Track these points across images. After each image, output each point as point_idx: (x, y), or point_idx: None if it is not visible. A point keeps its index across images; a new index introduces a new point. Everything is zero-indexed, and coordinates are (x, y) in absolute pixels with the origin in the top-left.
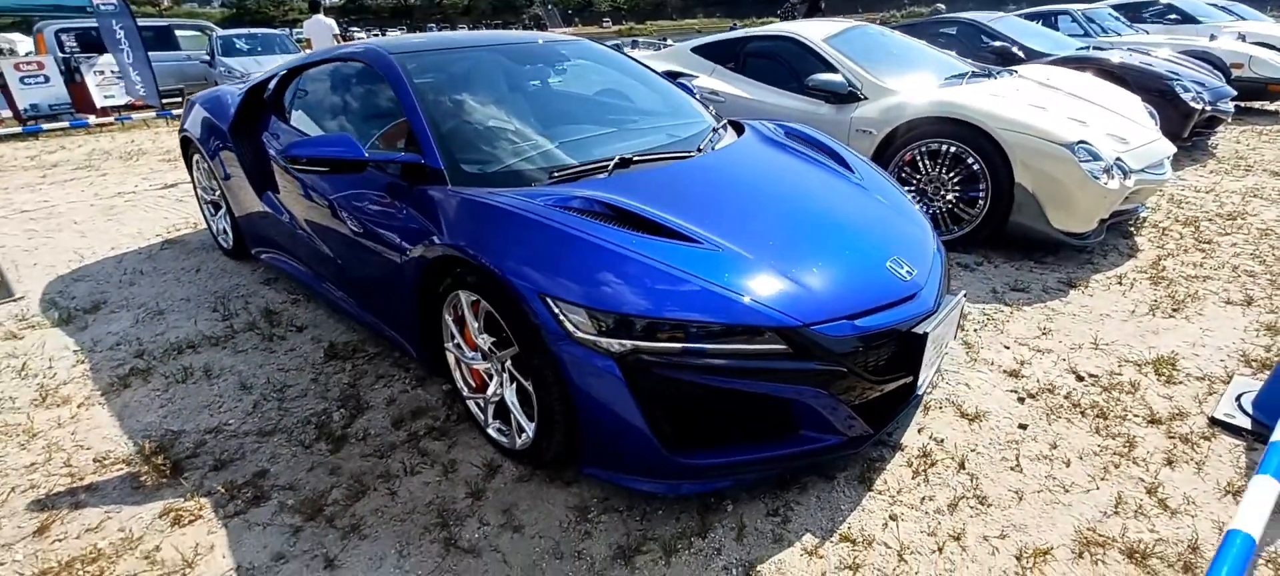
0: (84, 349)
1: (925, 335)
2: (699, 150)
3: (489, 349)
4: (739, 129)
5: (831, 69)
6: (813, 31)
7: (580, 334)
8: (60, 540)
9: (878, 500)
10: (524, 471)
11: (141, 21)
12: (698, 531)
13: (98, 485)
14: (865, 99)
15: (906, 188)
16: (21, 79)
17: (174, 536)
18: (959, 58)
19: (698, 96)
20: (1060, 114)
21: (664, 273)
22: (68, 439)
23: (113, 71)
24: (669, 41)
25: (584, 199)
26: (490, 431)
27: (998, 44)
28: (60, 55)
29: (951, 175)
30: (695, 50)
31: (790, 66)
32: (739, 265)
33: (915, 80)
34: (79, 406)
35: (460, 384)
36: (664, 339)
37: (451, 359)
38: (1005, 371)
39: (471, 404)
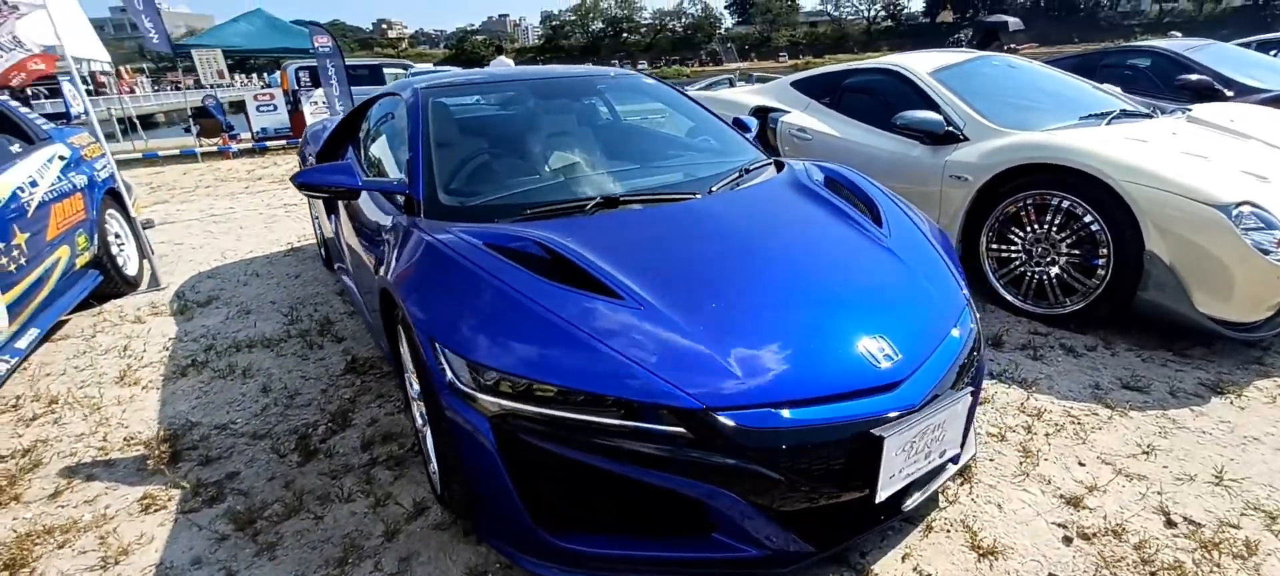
0: (175, 338)
1: (881, 439)
2: (711, 192)
3: (415, 387)
4: (780, 168)
5: (932, 106)
6: (919, 63)
7: (459, 385)
8: (62, 507)
9: None
10: (447, 518)
11: (360, 61)
12: None
13: (114, 462)
14: (965, 140)
15: (1006, 249)
16: (258, 107)
17: (136, 522)
18: (1123, 95)
19: (753, 134)
20: (1228, 166)
21: (561, 331)
22: (118, 417)
23: (323, 102)
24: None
25: (527, 240)
26: (429, 470)
27: (1195, 78)
28: (294, 88)
29: (1063, 236)
30: (794, 84)
31: (887, 103)
32: (658, 330)
33: (1038, 119)
34: (143, 389)
35: (415, 415)
36: (543, 404)
37: (409, 391)
38: (1062, 497)
39: (422, 439)
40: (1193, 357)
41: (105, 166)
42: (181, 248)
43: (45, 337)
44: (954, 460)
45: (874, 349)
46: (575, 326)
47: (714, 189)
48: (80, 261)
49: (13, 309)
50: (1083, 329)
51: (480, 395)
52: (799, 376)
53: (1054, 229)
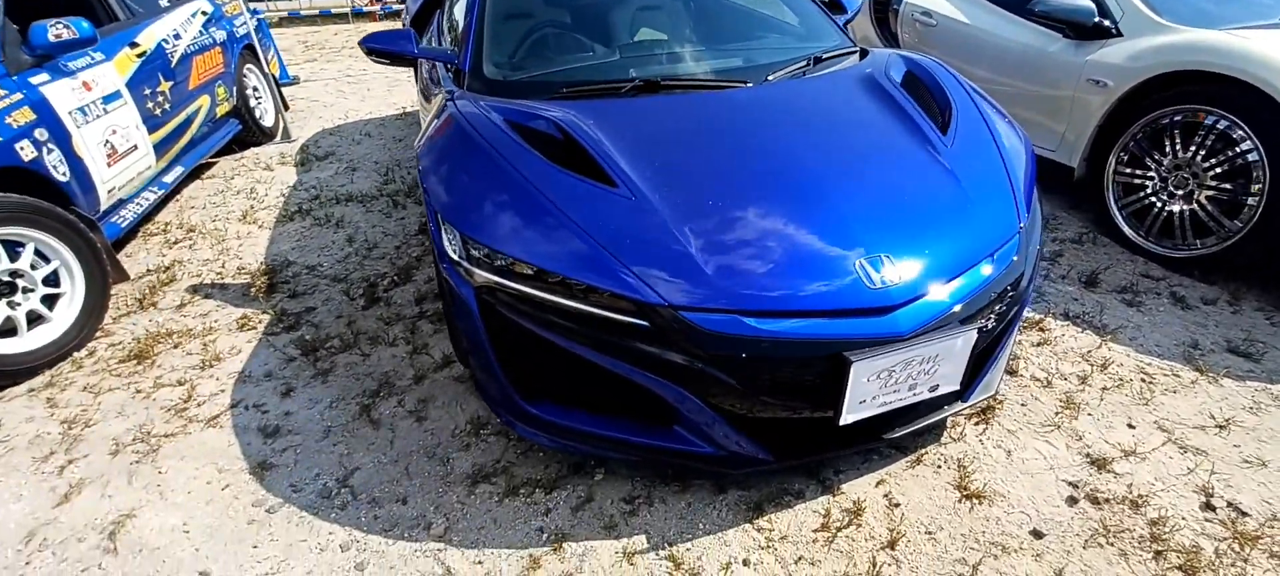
0: (293, 187)
1: (848, 362)
2: (767, 81)
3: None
4: (864, 56)
5: None
6: None
7: (453, 255)
8: (183, 316)
9: (748, 536)
10: (465, 372)
11: None
12: (547, 484)
13: (227, 286)
14: (1118, 35)
15: (1138, 174)
16: None
17: (232, 336)
18: None
19: (850, 17)
20: None
21: (548, 214)
22: (236, 248)
23: None
24: None
25: (547, 120)
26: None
27: None
28: None
29: (1212, 164)
30: None
31: None
32: (644, 223)
33: (1231, 13)
34: (258, 227)
35: None
36: (521, 281)
37: None
38: (1088, 456)
39: None
40: None
41: (243, 23)
42: (315, 105)
43: (191, 175)
44: (956, 398)
45: (872, 269)
46: (562, 211)
47: (770, 78)
48: (220, 111)
49: (159, 148)
50: (1209, 277)
51: (469, 266)
52: (773, 286)
53: (1202, 155)
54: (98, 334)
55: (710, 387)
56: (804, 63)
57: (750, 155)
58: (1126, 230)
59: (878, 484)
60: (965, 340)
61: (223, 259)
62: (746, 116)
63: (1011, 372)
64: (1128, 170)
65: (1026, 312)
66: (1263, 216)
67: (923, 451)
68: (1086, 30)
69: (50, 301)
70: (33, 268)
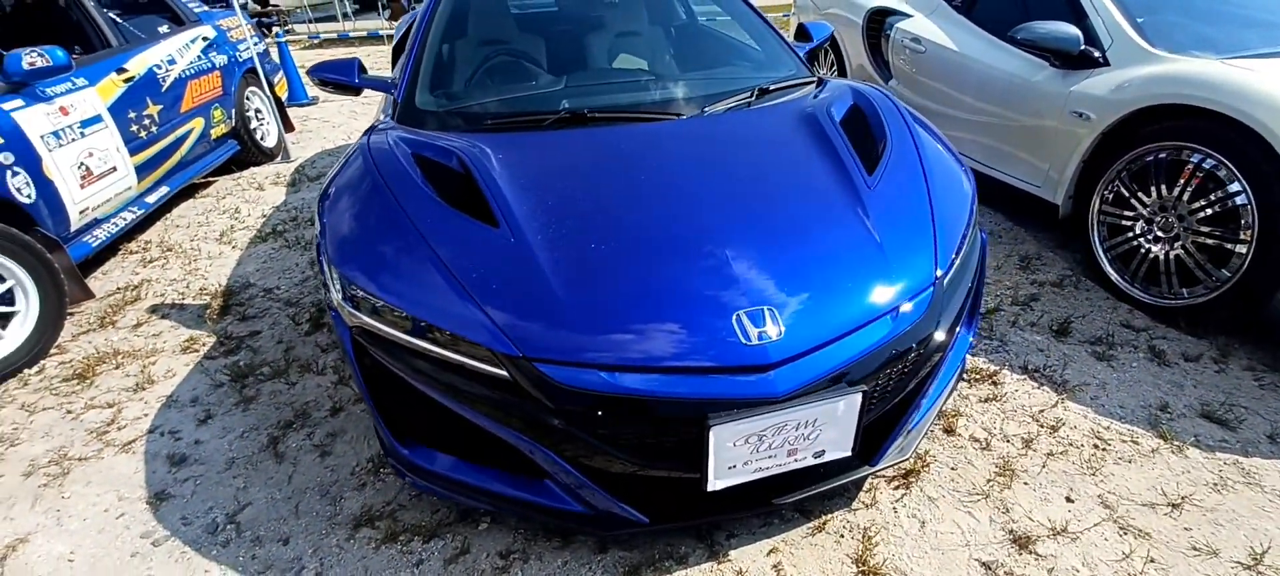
0: (276, 207)
1: (706, 424)
2: (702, 112)
3: None
4: (821, 84)
5: (1079, 14)
6: None
7: (334, 294)
8: (136, 335)
9: None
10: None
11: None
12: (428, 532)
13: (185, 307)
14: (1104, 65)
15: (1123, 214)
16: None
17: (173, 359)
18: None
19: (813, 46)
20: None
21: (421, 254)
22: (205, 269)
23: None
24: None
25: (454, 153)
26: None
27: None
28: None
29: (1199, 206)
30: None
31: (1029, 7)
32: (518, 267)
33: (1235, 40)
34: (232, 248)
35: None
36: (390, 325)
37: None
38: (1012, 533)
39: None
40: None
41: (247, 49)
42: (325, 125)
43: (185, 194)
44: (858, 462)
45: (751, 324)
46: (435, 252)
47: (707, 111)
48: (216, 132)
49: (142, 169)
50: (1197, 330)
51: (346, 307)
52: (638, 340)
53: (1188, 195)
54: (53, 351)
55: (573, 445)
56: (748, 94)
57: (652, 196)
58: (1111, 273)
59: (770, 552)
60: (848, 404)
61: (189, 279)
62: (663, 153)
63: (949, 432)
64: (1113, 210)
65: (982, 364)
66: (1251, 266)
67: (828, 516)
68: (1072, 59)
69: (3, 320)
70: None
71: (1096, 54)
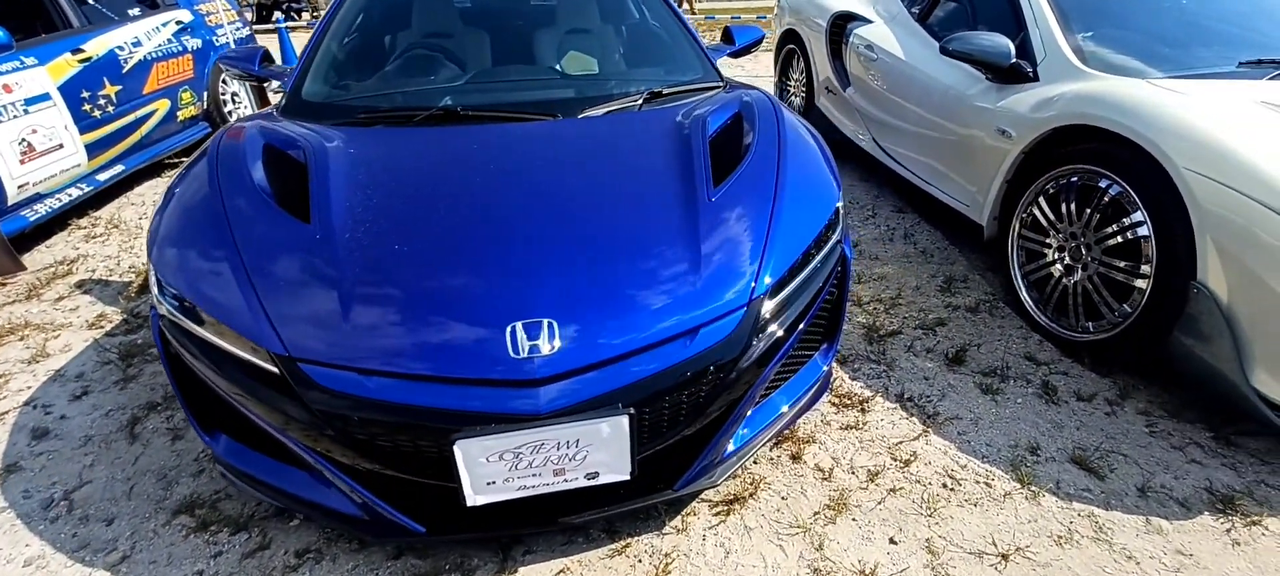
0: None
1: (451, 437)
2: (581, 116)
3: None
4: (728, 88)
5: (1015, 26)
6: None
7: (153, 282)
8: (56, 309)
9: None
10: None
11: None
12: (240, 524)
13: (109, 283)
14: (1035, 81)
15: (1040, 240)
16: None
17: (76, 333)
18: None
19: (730, 52)
20: None
21: (224, 247)
22: (141, 247)
23: None
24: None
25: (301, 145)
26: None
27: None
28: None
29: (1104, 235)
30: None
31: (978, 14)
32: (311, 265)
33: (1186, 59)
34: None
35: None
36: (183, 314)
37: None
38: (815, 572)
39: None
40: (1239, 452)
41: (224, 33)
42: None
43: (150, 171)
44: (661, 486)
45: (526, 336)
46: (237, 247)
47: (583, 114)
48: (183, 115)
49: (93, 148)
50: (1100, 368)
51: (155, 294)
52: (403, 346)
53: (1095, 223)
54: None
55: (340, 449)
56: (634, 98)
57: (479, 199)
58: (1026, 301)
59: (560, 571)
60: (614, 427)
61: (123, 256)
62: (516, 156)
63: (795, 459)
64: (1031, 234)
65: (858, 388)
66: (1149, 302)
67: (633, 539)
68: (1003, 72)
69: None
70: None
71: (1028, 68)
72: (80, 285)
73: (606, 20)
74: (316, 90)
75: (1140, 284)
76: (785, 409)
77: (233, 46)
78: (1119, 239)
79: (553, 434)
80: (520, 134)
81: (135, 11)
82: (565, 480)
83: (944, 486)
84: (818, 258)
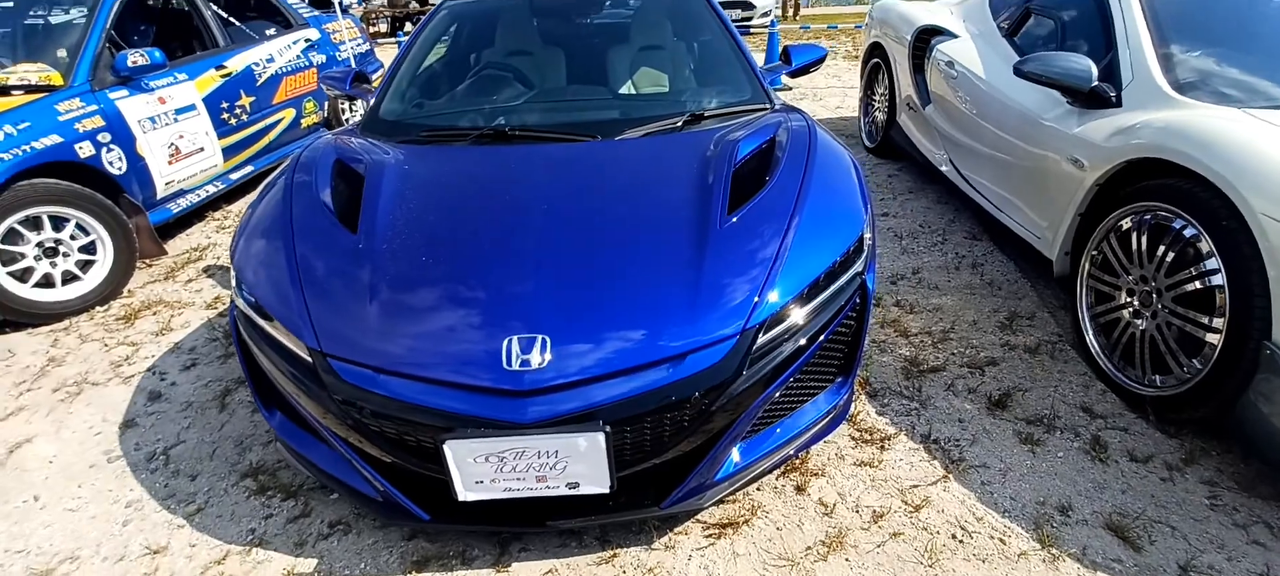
0: None
1: (441, 437)
2: (623, 136)
3: None
4: (776, 110)
5: (1105, 44)
6: None
7: (232, 278)
8: (187, 289)
9: None
10: None
11: None
12: (288, 493)
13: (229, 270)
14: (1117, 106)
15: (1109, 281)
16: None
17: (197, 312)
18: None
19: (788, 71)
20: None
21: (284, 253)
22: None
23: None
24: None
25: (366, 161)
26: None
27: None
28: None
29: (1174, 281)
30: None
31: (1069, 31)
32: (352, 271)
33: (1271, 93)
34: None
35: None
36: (251, 307)
37: None
38: None
39: None
40: None
41: (346, 50)
42: None
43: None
44: (647, 502)
45: (520, 349)
46: (294, 250)
47: (626, 134)
48: (306, 122)
49: (229, 151)
50: (1167, 426)
51: (232, 287)
52: (413, 347)
53: (1168, 268)
54: (125, 294)
55: (357, 436)
56: (676, 120)
57: (507, 214)
58: (1093, 344)
59: (547, 571)
60: (591, 442)
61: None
62: (553, 174)
63: (799, 490)
64: (1101, 274)
65: (884, 424)
66: (1219, 362)
67: (622, 550)
68: (1083, 96)
69: (86, 266)
70: (72, 238)
71: (1111, 93)
72: (207, 270)
73: (659, 42)
74: (392, 109)
75: (1212, 339)
76: (786, 440)
77: (353, 62)
78: (1192, 286)
79: (534, 443)
80: (557, 155)
81: (272, 32)
82: (547, 487)
83: (953, 537)
84: (829, 289)
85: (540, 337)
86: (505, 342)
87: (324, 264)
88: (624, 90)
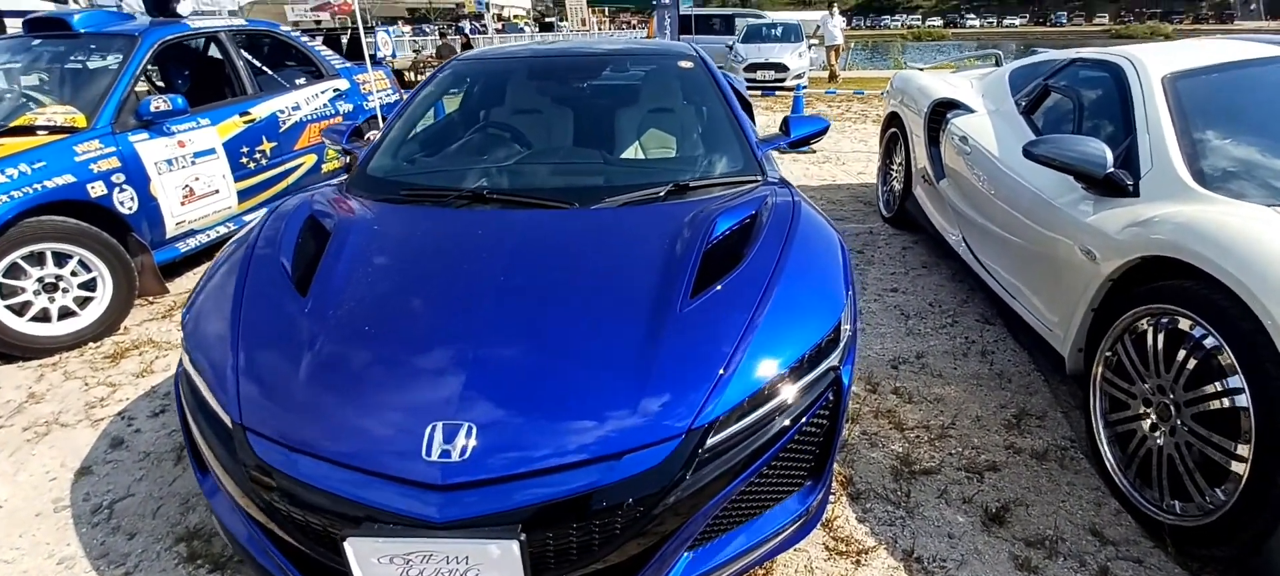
0: None
1: (343, 535)
2: (601, 205)
3: None
4: (769, 184)
5: (1125, 129)
6: (1159, 59)
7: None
8: (179, 329)
9: None
10: None
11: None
12: (215, 564)
13: None
14: (1134, 196)
15: (1125, 387)
16: None
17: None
18: None
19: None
20: None
21: (229, 311)
22: None
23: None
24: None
25: (336, 217)
26: None
27: None
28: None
29: (1192, 395)
30: (1016, 72)
31: (1085, 114)
32: (289, 338)
33: None
34: None
35: None
36: (190, 365)
37: None
38: None
39: None
40: None
41: (373, 99)
42: None
43: None
44: None
45: (442, 438)
46: (239, 313)
47: (604, 203)
48: (328, 166)
49: (245, 193)
50: (1189, 560)
51: (184, 349)
52: (335, 429)
53: (1185, 378)
54: (120, 332)
55: (267, 515)
56: (658, 190)
57: (451, 289)
58: (1107, 456)
59: None
60: (505, 550)
61: None
62: (517, 243)
63: None
64: (1115, 378)
65: (862, 535)
66: (1245, 494)
67: None
68: (1098, 183)
69: (84, 302)
70: (73, 275)
71: (1128, 181)
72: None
73: (654, 108)
74: (381, 165)
75: (1237, 468)
76: (746, 549)
77: (380, 113)
78: (1214, 404)
79: (443, 547)
80: (530, 222)
81: (301, 81)
82: None
83: None
84: (797, 384)
85: (465, 424)
86: (429, 429)
87: (266, 329)
88: (612, 156)
